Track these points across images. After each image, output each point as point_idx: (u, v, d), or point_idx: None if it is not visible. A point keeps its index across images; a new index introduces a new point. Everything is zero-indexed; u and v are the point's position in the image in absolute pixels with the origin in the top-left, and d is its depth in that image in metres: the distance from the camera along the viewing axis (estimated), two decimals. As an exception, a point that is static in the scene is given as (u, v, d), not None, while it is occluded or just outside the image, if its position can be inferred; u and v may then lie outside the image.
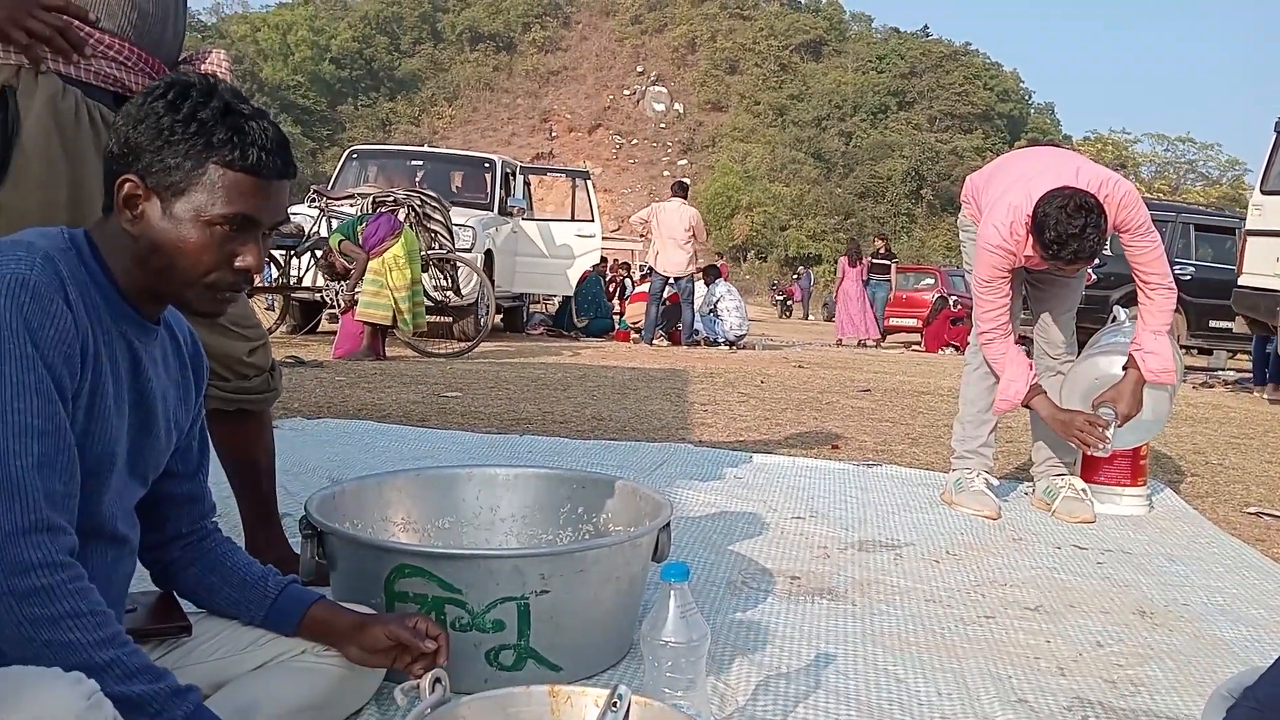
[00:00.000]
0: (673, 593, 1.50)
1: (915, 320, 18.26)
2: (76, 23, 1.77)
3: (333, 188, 10.47)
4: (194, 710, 1.16)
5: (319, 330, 9.92)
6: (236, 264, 1.27)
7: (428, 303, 8.63)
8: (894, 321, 18.30)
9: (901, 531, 3.13)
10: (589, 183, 13.41)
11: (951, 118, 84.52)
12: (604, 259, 15.22)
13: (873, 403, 6.64)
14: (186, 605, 1.52)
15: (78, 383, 1.19)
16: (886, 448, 4.78)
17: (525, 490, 2.27)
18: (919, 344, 16.59)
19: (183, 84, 1.26)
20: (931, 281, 20.25)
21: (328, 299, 8.55)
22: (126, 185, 1.24)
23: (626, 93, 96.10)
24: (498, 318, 12.23)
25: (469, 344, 9.10)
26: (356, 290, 8.00)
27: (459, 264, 9.40)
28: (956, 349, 14.71)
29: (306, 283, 9.25)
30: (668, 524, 1.94)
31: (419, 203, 9.16)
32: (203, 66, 2.01)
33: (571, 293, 13.12)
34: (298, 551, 1.85)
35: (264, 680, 1.42)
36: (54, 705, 1.03)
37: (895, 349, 15.66)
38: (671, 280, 11.54)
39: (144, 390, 1.32)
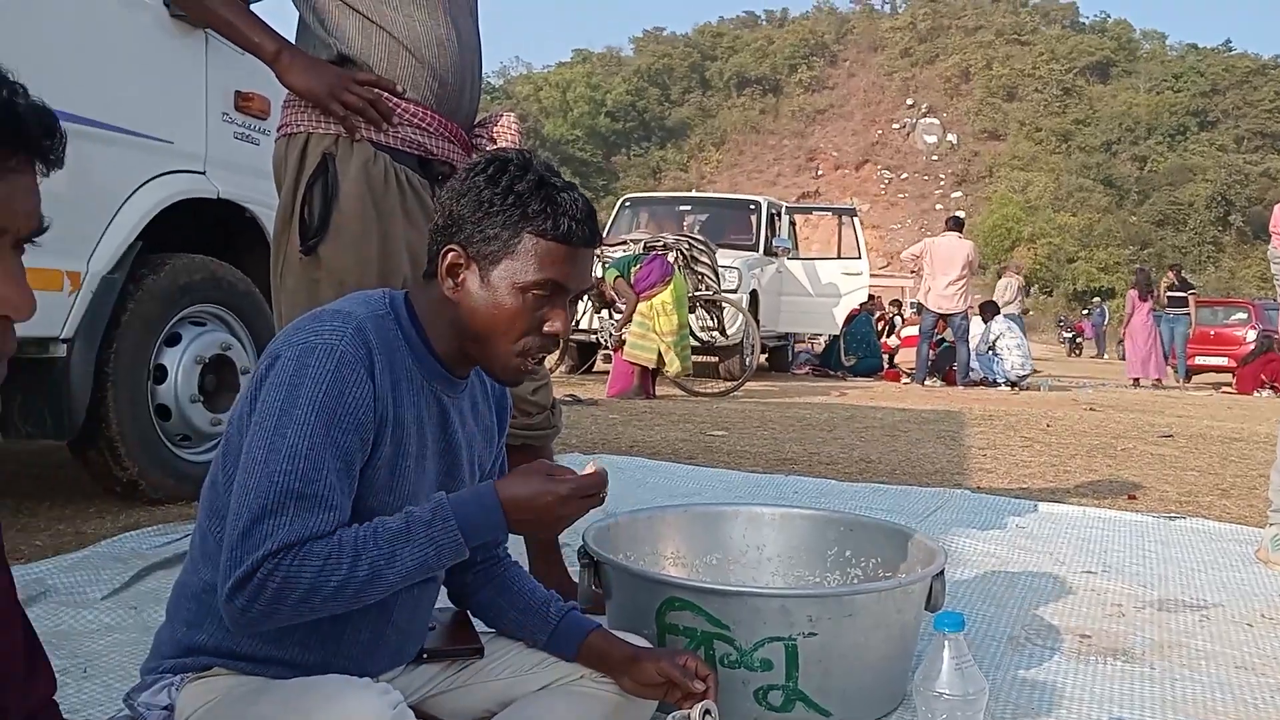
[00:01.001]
0: (947, 643, 1.44)
1: (1226, 359, 16.58)
2: (386, 95, 1.97)
3: (607, 235, 10.94)
4: (439, 503, 1.26)
5: (594, 370, 10.34)
6: (545, 328, 1.37)
7: (694, 343, 8.81)
8: (1200, 360, 16.72)
9: (1208, 591, 2.85)
10: (855, 220, 13.25)
11: (1262, 137, 76.79)
12: (872, 296, 14.96)
13: (1176, 449, 6.09)
14: (479, 624, 1.63)
15: (375, 445, 1.30)
16: (1192, 499, 4.37)
17: (792, 531, 2.26)
18: (1230, 385, 15.04)
19: (501, 160, 1.37)
20: (1244, 316, 18.34)
21: (602, 340, 8.92)
22: (450, 255, 1.36)
23: (895, 126, 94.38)
24: (763, 357, 12.28)
25: (734, 383, 9.19)
26: (624, 330, 8.30)
27: (725, 305, 9.54)
28: (1275, 390, 13.23)
29: (583, 326, 9.68)
30: (941, 572, 1.87)
31: (686, 246, 9.40)
32: (495, 129, 2.18)
33: (838, 331, 12.97)
34: (576, 580, 1.93)
35: (547, 701, 1.50)
36: (362, 713, 1.13)
37: (1203, 390, 14.28)
38: (944, 317, 11.15)
39: (451, 441, 1.44)
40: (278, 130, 2.05)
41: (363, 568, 1.20)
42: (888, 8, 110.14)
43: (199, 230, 3.60)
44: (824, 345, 14.14)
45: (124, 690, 1.38)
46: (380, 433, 1.30)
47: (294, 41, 2.03)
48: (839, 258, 13.19)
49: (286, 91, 2.00)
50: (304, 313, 1.36)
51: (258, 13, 2.03)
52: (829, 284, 12.62)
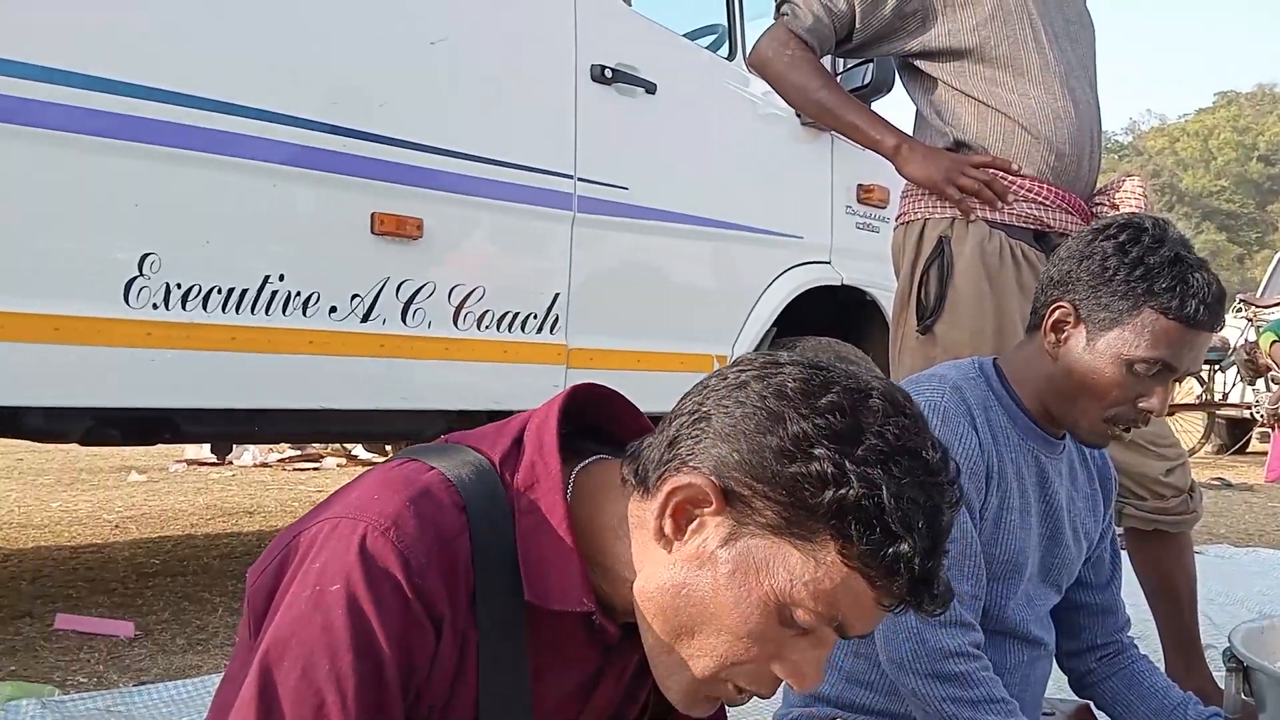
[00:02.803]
0: None
1: None
2: (1001, 174, 2.00)
3: (1262, 294, 9.59)
4: None
5: (1247, 450, 9.06)
6: (1140, 404, 1.31)
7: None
8: None
9: None
10: None
11: None
12: None
13: None
14: (1102, 718, 1.54)
15: (983, 498, 1.32)
16: None
17: None
18: None
19: (1135, 227, 1.33)
20: None
21: (1257, 415, 7.80)
22: (1058, 311, 1.35)
23: None
24: None
25: None
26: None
27: None
28: None
29: (1233, 399, 8.56)
30: None
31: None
32: (1117, 194, 2.09)
33: None
34: (1219, 685, 1.73)
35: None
36: None
37: None
38: None
39: (1051, 502, 1.41)
40: (896, 218, 2.19)
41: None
42: None
43: (824, 314, 3.92)
44: None
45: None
46: (986, 484, 1.32)
47: (912, 133, 2.15)
48: None
49: (905, 181, 2.12)
50: (921, 390, 1.43)
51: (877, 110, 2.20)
52: None
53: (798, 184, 3.74)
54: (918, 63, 2.13)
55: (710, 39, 3.72)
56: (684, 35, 3.62)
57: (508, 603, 0.83)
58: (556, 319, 3.10)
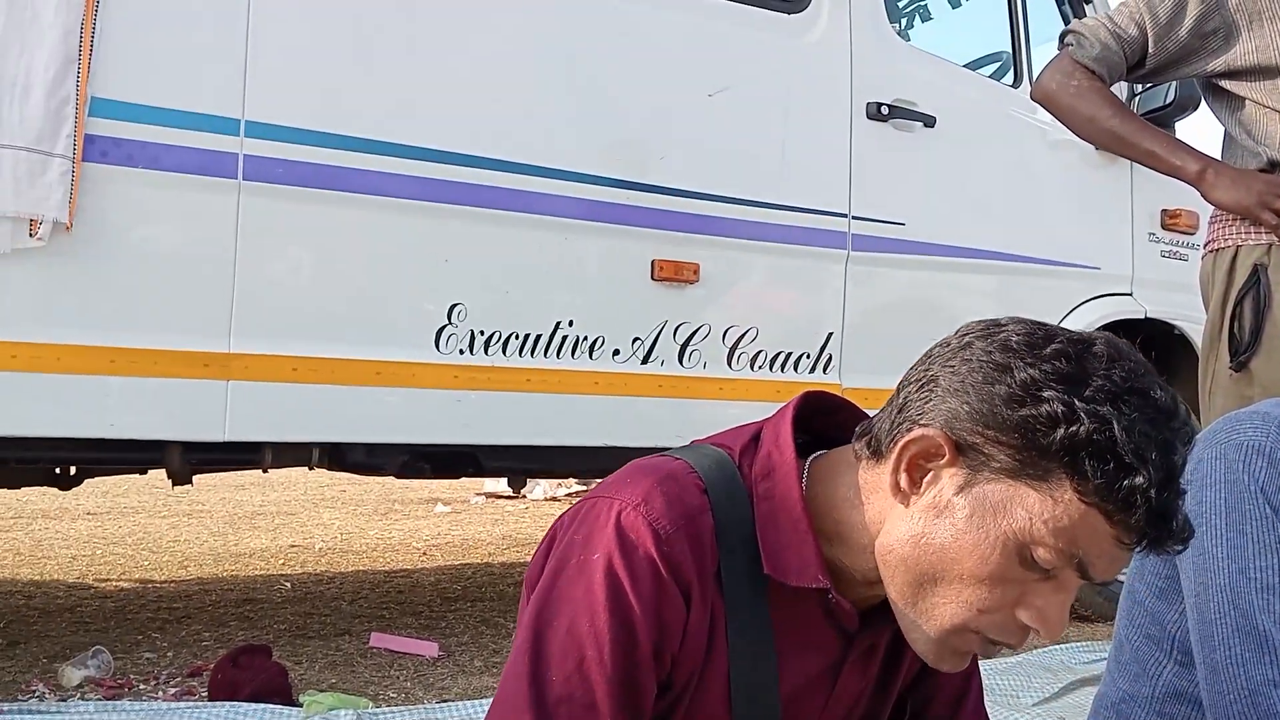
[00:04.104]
0: None
1: None
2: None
3: None
4: None
5: None
6: None
7: None
8: None
9: None
10: None
11: None
12: None
13: None
14: None
15: None
16: None
17: None
18: None
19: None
20: None
21: None
22: None
23: None
24: None
25: None
26: None
27: None
28: None
29: None
30: None
31: None
32: None
33: None
34: None
35: None
36: None
37: None
38: None
39: None
40: (1204, 246, 2.02)
41: None
42: None
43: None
44: None
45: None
46: None
47: (1220, 155, 1.99)
48: None
49: (1213, 207, 1.96)
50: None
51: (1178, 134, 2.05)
52: None
53: (1093, 211, 3.53)
54: (1221, 82, 1.97)
55: (993, 67, 3.60)
56: (965, 65, 3.53)
57: (750, 578, 0.88)
58: (830, 358, 3.09)
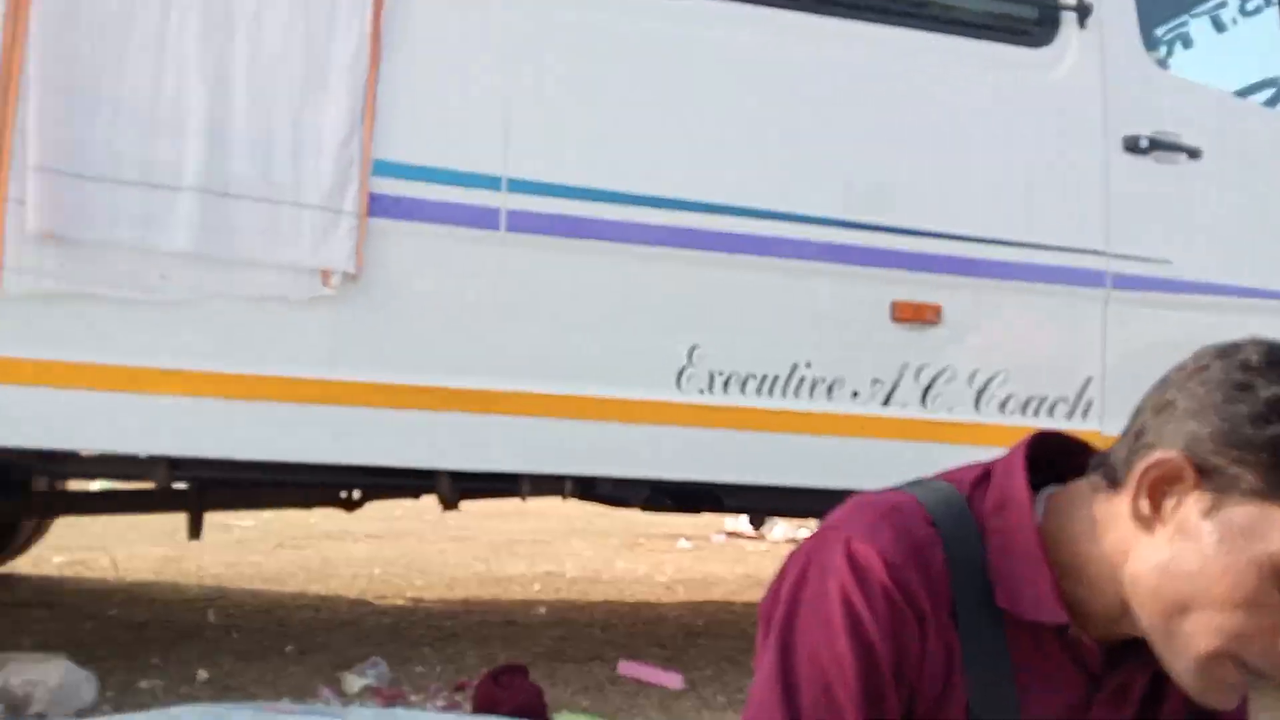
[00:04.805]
0: None
1: None
2: None
3: None
4: None
5: None
6: None
7: None
8: None
9: None
10: None
11: None
12: None
13: None
14: None
15: None
16: None
17: None
18: None
19: None
20: None
21: None
22: None
23: None
24: None
25: None
26: None
27: None
28: None
29: None
30: None
31: None
32: None
33: None
34: None
35: None
36: None
37: None
38: None
39: None
40: None
41: None
42: None
43: None
44: None
45: None
46: None
47: None
48: None
49: None
50: None
51: None
52: None
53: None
54: None
55: (1269, 93, 3.34)
56: (1235, 92, 3.30)
57: (984, 612, 0.87)
58: (1090, 403, 2.94)
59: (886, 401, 2.83)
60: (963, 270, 2.87)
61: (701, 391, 2.74)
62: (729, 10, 2.77)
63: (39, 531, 4.03)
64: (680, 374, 2.73)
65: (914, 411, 2.85)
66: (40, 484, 3.63)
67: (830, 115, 2.86)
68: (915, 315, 2.84)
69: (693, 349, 2.73)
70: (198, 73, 2.46)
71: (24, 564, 4.20)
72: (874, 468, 2.84)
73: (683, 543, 6.32)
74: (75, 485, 3.92)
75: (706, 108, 2.78)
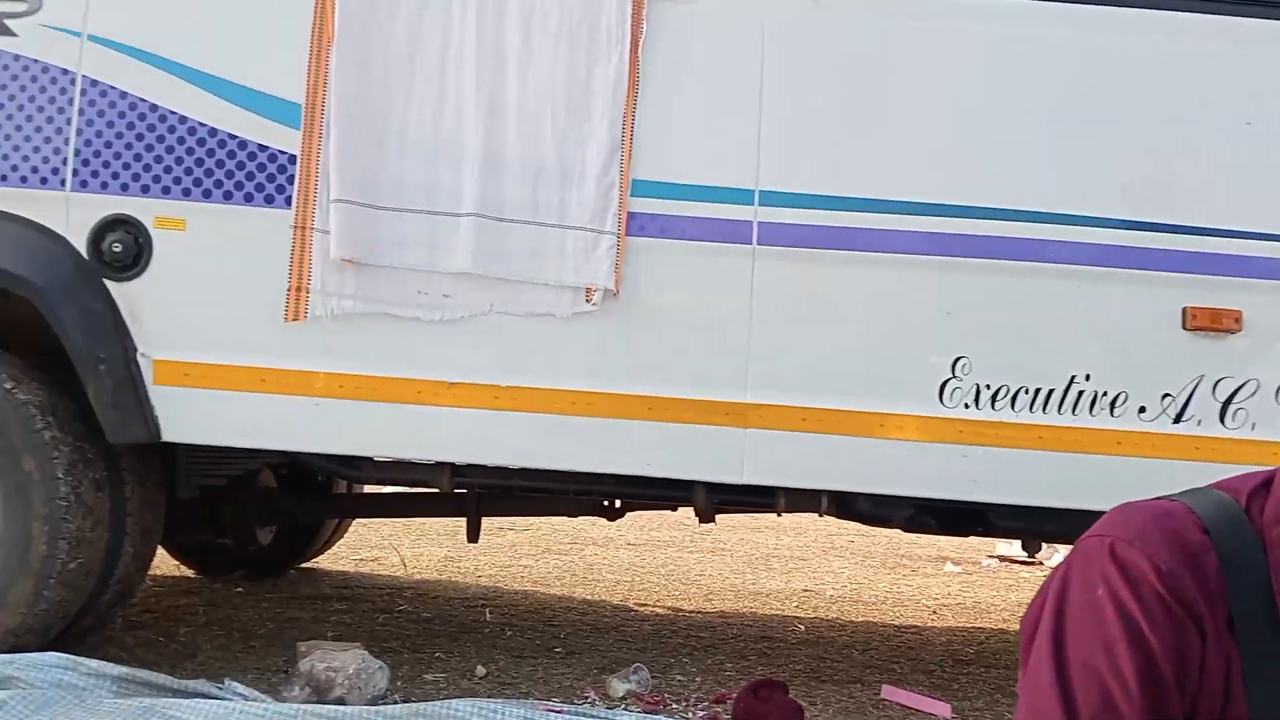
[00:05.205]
0: None
1: None
2: None
3: None
4: None
5: None
6: None
7: None
8: None
9: None
10: None
11: None
12: None
13: None
14: None
15: None
16: None
17: None
18: None
19: None
20: None
21: None
22: None
23: None
24: None
25: None
26: None
27: None
28: None
29: None
30: None
31: None
32: None
33: None
34: None
35: None
36: None
37: None
38: None
39: None
40: None
41: None
42: None
43: None
44: None
45: None
46: None
47: None
48: None
49: None
50: None
51: None
52: None
53: None
54: None
55: None
56: None
57: (1267, 626, 0.81)
58: None
59: (1178, 419, 2.60)
60: (1267, 273, 2.58)
61: (967, 406, 2.62)
62: (989, 5, 2.66)
63: (339, 531, 4.44)
64: (944, 387, 2.62)
65: (1211, 429, 2.59)
66: (340, 487, 4.00)
67: (1107, 109, 2.67)
68: (1212, 323, 2.58)
69: (957, 361, 2.62)
70: (474, 106, 2.64)
71: (325, 560, 4.63)
72: (1163, 490, 2.60)
73: (949, 566, 6.07)
74: (369, 489, 4.28)
75: (968, 106, 2.68)
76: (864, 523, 3.13)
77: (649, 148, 2.67)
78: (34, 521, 2.56)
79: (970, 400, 2.62)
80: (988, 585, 5.57)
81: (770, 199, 2.64)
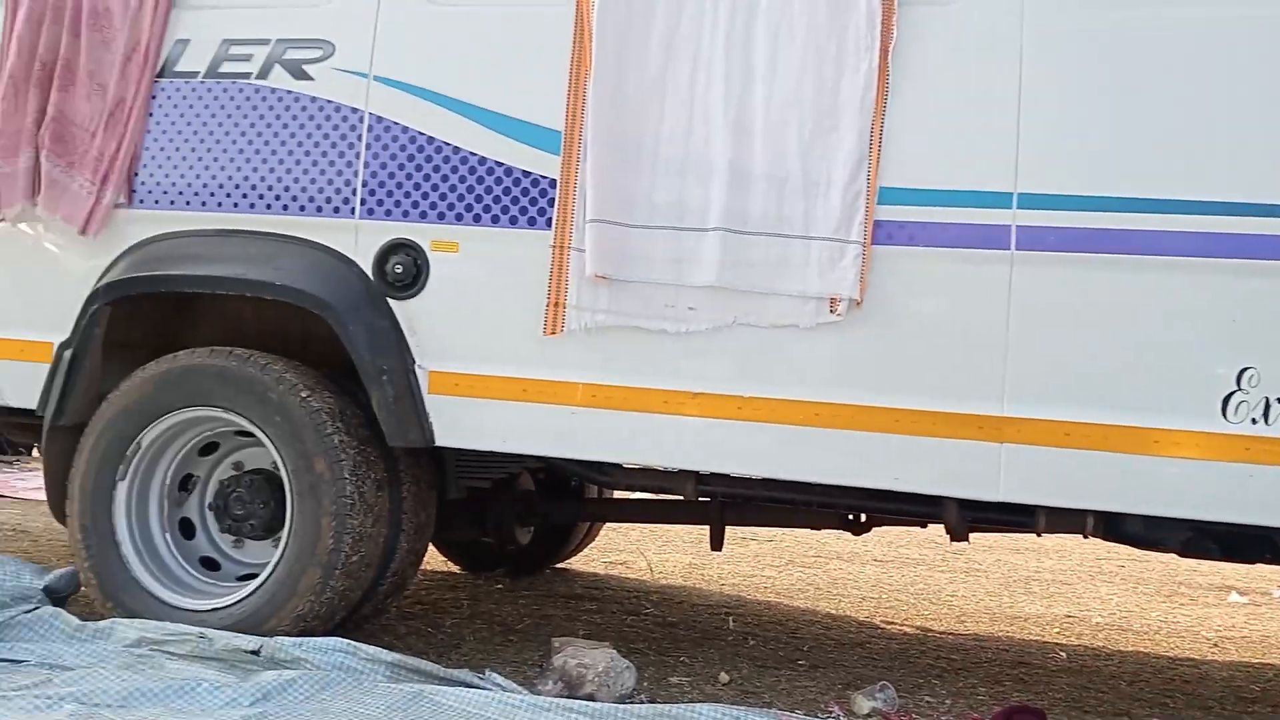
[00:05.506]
0: None
1: None
2: None
3: None
4: None
5: None
6: None
7: None
8: None
9: None
10: None
11: None
12: None
13: None
14: None
15: None
16: None
17: None
18: None
19: None
20: None
21: None
22: None
23: None
24: None
25: None
26: None
27: None
28: None
29: None
30: None
31: None
32: None
33: None
34: None
35: None
36: None
37: None
38: None
39: None
40: None
41: None
42: None
43: None
44: None
45: None
46: None
47: None
48: None
49: None
50: None
51: None
52: None
53: None
54: None
55: None
56: None
57: None
58: None
59: None
60: None
61: (1255, 421, 2.39)
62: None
63: (591, 534, 4.61)
64: (1227, 401, 2.41)
65: None
66: (592, 492, 4.16)
67: None
68: None
69: (1243, 372, 2.40)
70: (721, 123, 2.69)
71: (578, 562, 4.82)
72: None
73: (1234, 596, 5.55)
74: (619, 495, 4.42)
75: (1251, 96, 2.45)
76: (1135, 546, 2.92)
77: (897, 154, 2.61)
78: (323, 518, 2.83)
79: (1259, 415, 2.39)
80: (1278, 618, 5.05)
81: (1030, 201, 2.52)
